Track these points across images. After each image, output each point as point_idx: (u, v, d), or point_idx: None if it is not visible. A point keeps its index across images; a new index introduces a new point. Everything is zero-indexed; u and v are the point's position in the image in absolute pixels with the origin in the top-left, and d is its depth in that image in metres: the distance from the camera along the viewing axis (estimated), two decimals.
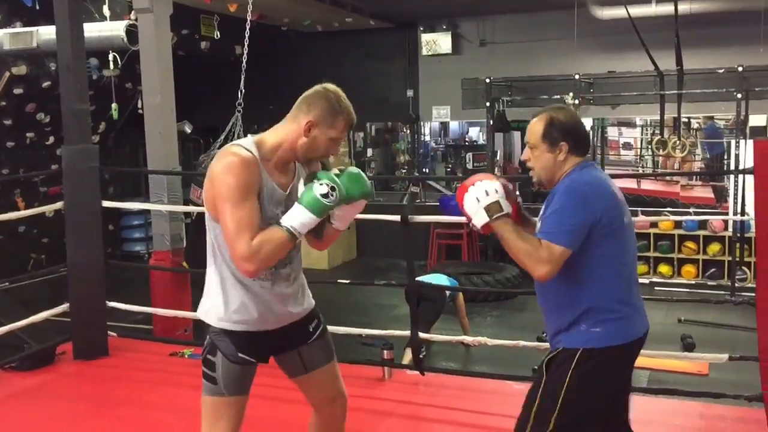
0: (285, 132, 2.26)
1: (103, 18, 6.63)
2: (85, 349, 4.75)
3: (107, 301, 4.89)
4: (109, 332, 4.90)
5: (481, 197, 2.25)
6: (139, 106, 6.67)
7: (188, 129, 9.57)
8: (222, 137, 6.50)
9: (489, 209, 2.25)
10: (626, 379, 2.44)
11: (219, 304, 2.29)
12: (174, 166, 6.24)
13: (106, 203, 4.98)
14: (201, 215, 6.80)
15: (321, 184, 2.17)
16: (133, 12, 6.36)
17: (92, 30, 5.80)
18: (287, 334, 2.39)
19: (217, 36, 9.33)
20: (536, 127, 2.35)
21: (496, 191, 2.26)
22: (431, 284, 6.01)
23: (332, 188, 2.17)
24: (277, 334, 2.36)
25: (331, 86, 2.28)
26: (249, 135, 2.31)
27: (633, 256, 2.41)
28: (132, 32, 6.31)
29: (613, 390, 2.36)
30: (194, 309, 5.65)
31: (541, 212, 2.36)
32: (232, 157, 2.16)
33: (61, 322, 4.97)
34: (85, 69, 4.88)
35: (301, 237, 2.20)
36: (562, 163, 2.32)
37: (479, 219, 2.27)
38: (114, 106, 7.25)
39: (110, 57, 6.79)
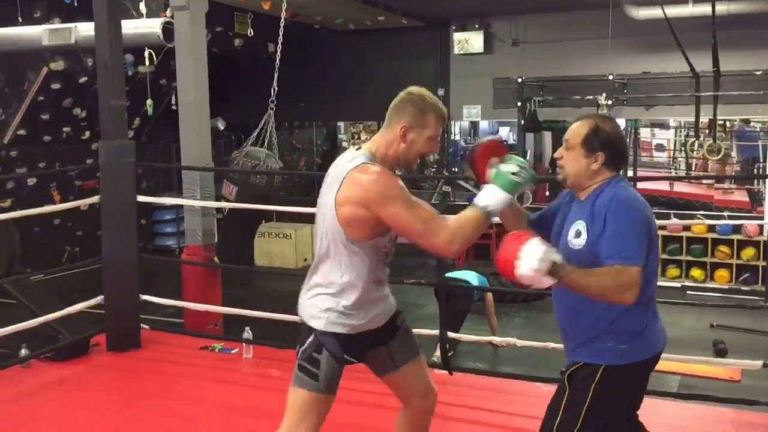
0: (385, 141, 2.35)
1: (139, 15, 6.72)
2: (118, 340, 4.83)
3: (140, 294, 4.97)
4: (141, 325, 4.98)
5: (538, 265, 2.06)
6: (173, 102, 6.75)
7: (221, 125, 9.68)
8: (254, 134, 6.56)
9: (551, 271, 2.08)
10: (643, 391, 2.40)
11: (333, 309, 2.35)
12: (207, 163, 6.31)
13: (141, 198, 5.04)
14: (232, 211, 6.88)
15: (510, 164, 2.29)
16: (169, 9, 6.45)
17: (129, 27, 5.88)
18: (379, 330, 2.47)
19: (250, 33, 9.41)
20: (579, 129, 2.31)
21: (543, 250, 2.07)
22: (460, 281, 6.02)
23: (520, 167, 2.28)
24: (373, 333, 2.44)
25: (414, 88, 2.37)
26: (355, 147, 2.39)
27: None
28: (168, 29, 6.40)
29: (633, 402, 2.35)
30: (224, 304, 5.78)
31: (569, 218, 2.32)
32: (374, 173, 2.24)
33: (95, 314, 5.05)
34: (122, 66, 4.94)
35: (496, 214, 2.31)
36: (594, 173, 2.29)
37: (545, 282, 2.11)
38: (149, 102, 7.36)
39: (146, 53, 6.89)
